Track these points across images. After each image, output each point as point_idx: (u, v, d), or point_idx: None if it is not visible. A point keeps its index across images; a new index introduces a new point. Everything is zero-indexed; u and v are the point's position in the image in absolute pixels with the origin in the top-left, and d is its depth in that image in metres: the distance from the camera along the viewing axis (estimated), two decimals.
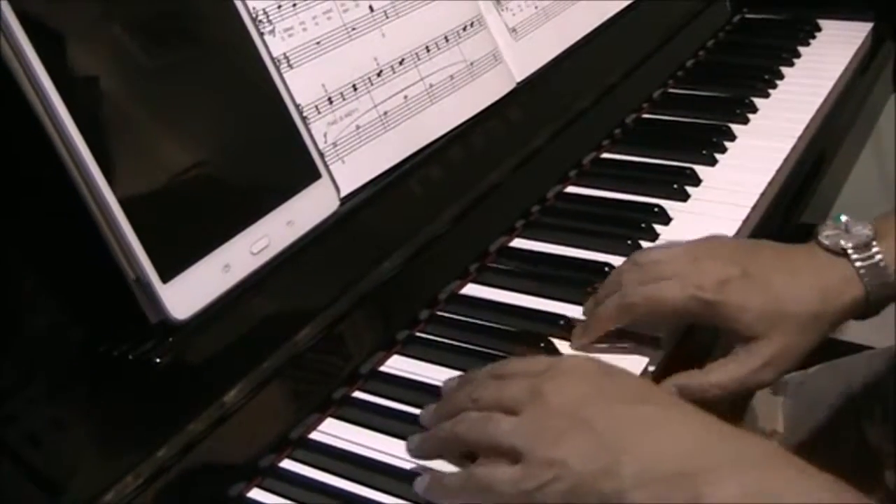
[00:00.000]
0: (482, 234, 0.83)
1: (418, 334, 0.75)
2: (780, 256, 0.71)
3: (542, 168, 0.90)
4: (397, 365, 0.73)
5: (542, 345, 0.71)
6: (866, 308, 0.69)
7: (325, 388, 0.69)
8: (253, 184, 0.66)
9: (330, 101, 0.74)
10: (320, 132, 0.72)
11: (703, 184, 0.91)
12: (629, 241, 0.81)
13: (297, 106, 0.70)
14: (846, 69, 1.11)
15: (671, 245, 0.73)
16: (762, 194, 0.88)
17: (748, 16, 1.28)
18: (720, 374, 0.66)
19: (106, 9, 0.59)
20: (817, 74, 1.10)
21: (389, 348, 0.73)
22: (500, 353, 0.71)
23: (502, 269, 0.81)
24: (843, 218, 0.70)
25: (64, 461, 0.56)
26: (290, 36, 0.72)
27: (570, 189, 0.93)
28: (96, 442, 0.58)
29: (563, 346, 0.71)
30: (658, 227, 0.84)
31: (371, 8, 0.78)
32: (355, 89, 0.76)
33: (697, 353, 0.72)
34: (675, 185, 0.89)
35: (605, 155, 0.98)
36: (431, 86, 0.81)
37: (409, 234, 0.76)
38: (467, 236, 0.81)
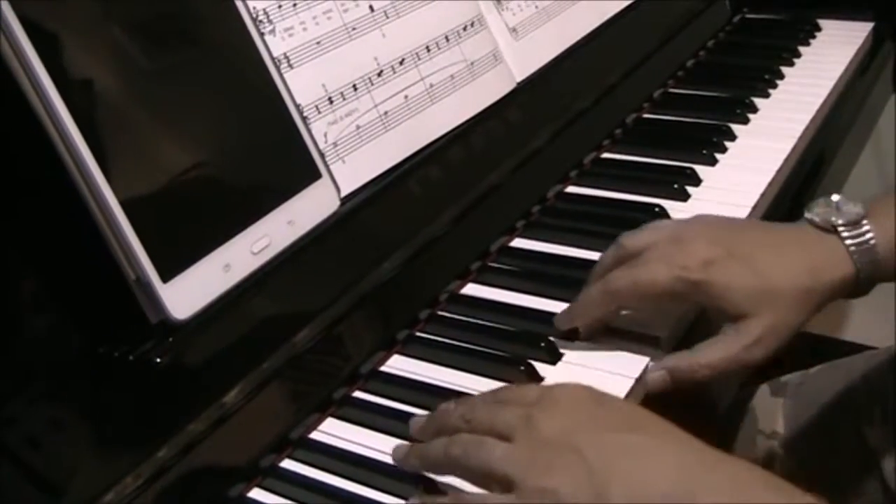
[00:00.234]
0: (482, 234, 0.83)
1: (418, 334, 0.75)
2: (769, 233, 0.71)
3: (542, 168, 0.90)
4: (398, 365, 0.73)
5: (543, 344, 0.71)
6: (856, 286, 0.68)
7: (325, 387, 0.69)
8: (253, 184, 0.66)
9: (330, 100, 0.74)
10: (321, 132, 0.72)
11: (703, 184, 0.91)
12: None
13: (297, 106, 0.70)
14: (846, 69, 1.11)
15: (656, 227, 0.73)
16: (762, 194, 0.88)
17: (748, 16, 1.28)
18: (709, 353, 0.66)
19: (106, 9, 0.59)
20: (817, 74, 1.10)
21: (390, 348, 0.73)
22: (501, 353, 0.71)
23: (503, 268, 0.81)
24: (835, 197, 0.70)
25: (64, 461, 0.56)
26: (290, 36, 0.72)
27: (571, 189, 0.93)
28: (96, 442, 0.58)
29: (563, 345, 0.71)
30: None
31: (371, 8, 0.78)
32: (356, 89, 0.76)
33: None
34: (676, 185, 0.89)
35: (606, 155, 0.98)
36: (432, 86, 0.81)
37: (409, 234, 0.76)
38: (468, 236, 0.81)
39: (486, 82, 0.86)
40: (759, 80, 1.09)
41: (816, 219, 0.69)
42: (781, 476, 0.52)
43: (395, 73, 0.79)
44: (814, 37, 1.20)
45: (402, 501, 0.60)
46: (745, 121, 1.02)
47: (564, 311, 0.72)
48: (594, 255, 0.80)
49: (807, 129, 0.99)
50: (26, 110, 0.55)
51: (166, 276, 0.58)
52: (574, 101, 0.96)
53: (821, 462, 0.87)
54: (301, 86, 0.71)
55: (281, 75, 0.70)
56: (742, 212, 0.85)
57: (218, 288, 0.62)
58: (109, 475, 0.56)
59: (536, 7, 0.94)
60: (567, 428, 0.53)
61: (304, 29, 0.73)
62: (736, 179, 0.91)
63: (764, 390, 0.94)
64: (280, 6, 0.71)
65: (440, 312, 0.77)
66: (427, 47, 0.82)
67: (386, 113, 0.77)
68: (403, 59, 0.80)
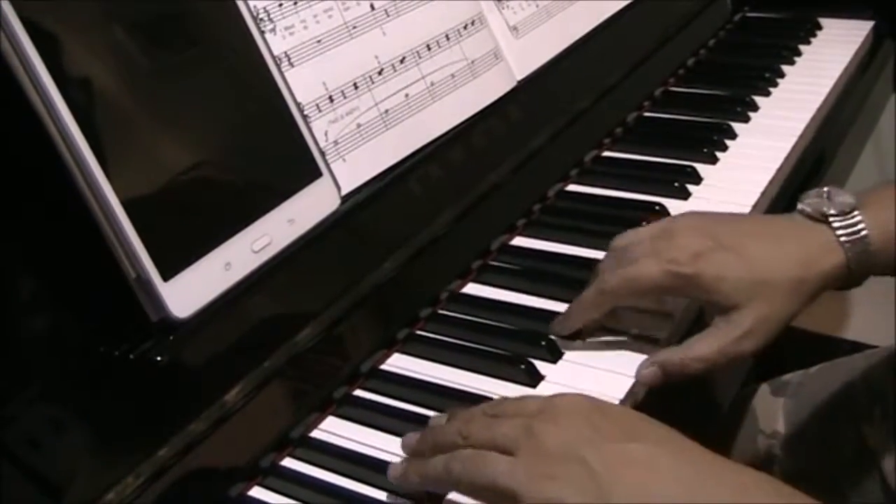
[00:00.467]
0: (483, 233, 0.83)
1: (419, 332, 0.75)
2: (759, 224, 0.71)
3: (543, 166, 0.90)
4: (398, 363, 0.72)
5: (543, 343, 0.71)
6: (848, 277, 0.68)
7: (326, 386, 0.69)
8: (254, 182, 0.66)
9: (331, 99, 0.73)
10: (321, 130, 0.72)
11: (704, 182, 0.91)
12: None
13: (297, 104, 0.70)
14: (847, 68, 1.11)
15: (648, 225, 0.73)
16: (763, 192, 0.88)
17: (749, 14, 1.28)
18: (701, 346, 0.66)
19: (107, 8, 0.59)
20: (818, 73, 1.10)
21: (390, 347, 0.73)
22: (501, 352, 0.71)
23: (504, 267, 0.81)
24: (827, 188, 0.70)
25: (64, 461, 0.56)
26: (290, 34, 0.72)
27: (572, 187, 0.93)
28: (97, 441, 0.58)
29: (563, 344, 0.71)
30: None
31: (372, 6, 0.78)
32: (356, 87, 0.75)
33: None
34: (677, 184, 0.89)
35: (607, 153, 0.98)
36: (432, 84, 0.81)
37: (410, 233, 0.76)
38: (468, 235, 0.81)
39: (487, 81, 0.86)
40: (760, 78, 1.09)
41: (808, 209, 0.69)
42: (781, 475, 0.52)
43: (395, 71, 0.79)
44: (814, 35, 1.20)
45: (403, 500, 0.60)
46: (746, 119, 1.02)
47: (561, 316, 0.72)
48: (595, 254, 0.80)
49: (807, 127, 0.99)
50: (27, 109, 0.55)
51: (167, 275, 0.58)
52: (575, 99, 0.96)
53: (821, 461, 0.87)
54: (302, 84, 0.71)
55: (281, 74, 0.70)
56: (743, 210, 0.85)
57: (218, 286, 0.62)
58: (110, 474, 0.56)
59: (537, 5, 0.93)
60: (569, 439, 0.53)
61: (305, 27, 0.73)
62: (737, 178, 0.91)
63: (764, 390, 0.94)
64: (281, 4, 0.71)
65: (441, 311, 0.77)
66: (428, 46, 0.81)
67: (386, 111, 0.77)
68: (404, 58, 0.79)
